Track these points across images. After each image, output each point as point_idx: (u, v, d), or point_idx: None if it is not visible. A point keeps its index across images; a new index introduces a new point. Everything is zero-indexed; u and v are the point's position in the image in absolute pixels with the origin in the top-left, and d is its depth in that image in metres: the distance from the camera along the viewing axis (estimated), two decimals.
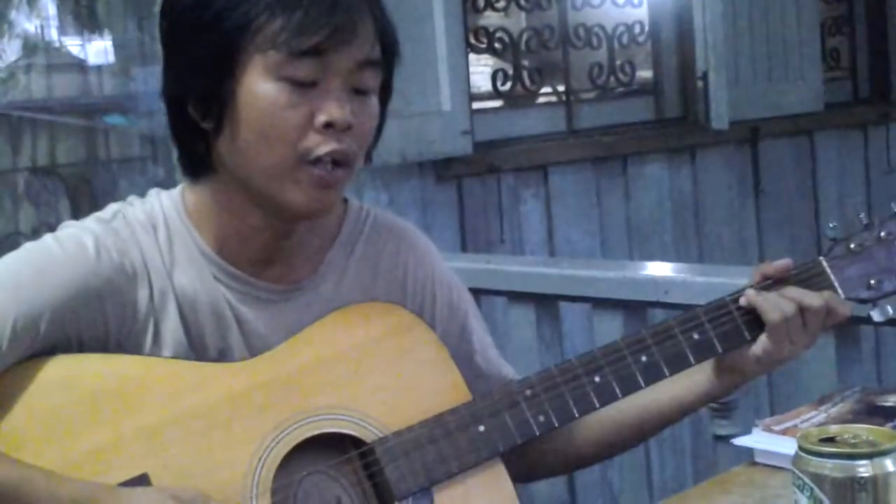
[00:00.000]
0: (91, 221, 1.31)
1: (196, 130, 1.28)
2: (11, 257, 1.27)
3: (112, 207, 1.34)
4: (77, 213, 2.76)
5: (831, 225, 1.46)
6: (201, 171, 1.32)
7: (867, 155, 4.59)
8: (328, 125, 1.24)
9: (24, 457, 1.19)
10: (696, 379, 1.45)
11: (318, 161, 1.25)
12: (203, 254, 1.32)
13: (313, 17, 1.22)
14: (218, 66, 1.24)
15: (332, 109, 1.24)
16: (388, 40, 1.31)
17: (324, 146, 1.24)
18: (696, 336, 1.39)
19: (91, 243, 1.27)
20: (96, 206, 1.37)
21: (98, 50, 2.89)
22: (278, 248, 1.34)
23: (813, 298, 1.39)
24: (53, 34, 2.84)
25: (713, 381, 1.45)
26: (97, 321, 1.26)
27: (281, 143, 1.24)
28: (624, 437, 1.51)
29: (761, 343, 1.40)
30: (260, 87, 1.23)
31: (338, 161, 1.25)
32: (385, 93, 1.33)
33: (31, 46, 2.80)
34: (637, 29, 4.03)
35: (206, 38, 1.24)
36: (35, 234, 2.69)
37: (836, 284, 1.43)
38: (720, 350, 1.41)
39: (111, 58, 2.89)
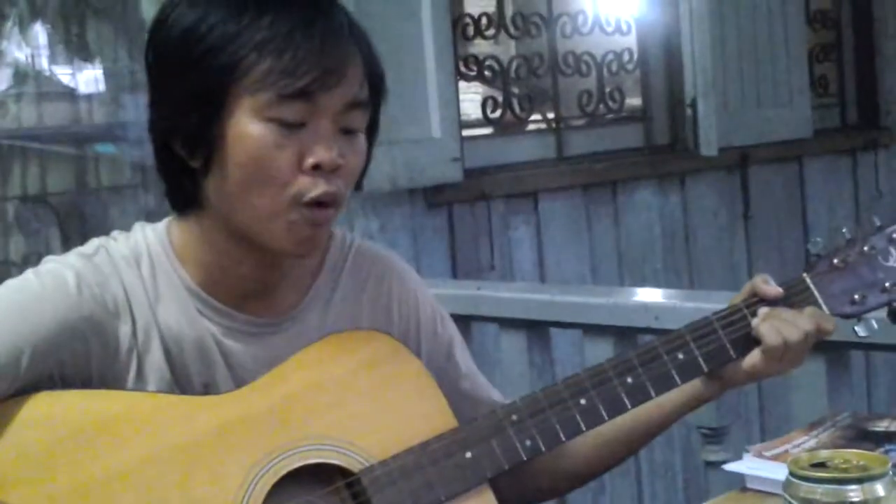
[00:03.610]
0: (73, 256, 1.30)
1: (183, 168, 1.27)
2: None
3: (94, 242, 1.33)
4: (67, 242, 2.76)
5: (814, 240, 1.45)
6: (188, 206, 1.31)
7: (856, 180, 4.60)
8: (317, 167, 1.24)
9: (6, 495, 1.17)
10: (682, 386, 1.44)
11: (308, 203, 1.25)
12: (187, 288, 1.32)
13: (302, 59, 1.22)
14: (205, 105, 1.23)
15: (320, 151, 1.24)
16: (376, 79, 1.31)
17: (314, 189, 1.24)
18: (681, 356, 1.40)
19: (72, 279, 1.26)
20: (86, 234, 1.36)
21: (88, 79, 2.89)
22: (264, 282, 1.33)
23: (807, 322, 1.39)
24: (44, 63, 2.84)
25: (699, 387, 1.46)
26: (79, 357, 1.25)
27: (270, 184, 1.24)
28: (613, 448, 1.50)
29: (753, 360, 1.40)
30: (248, 128, 1.23)
31: (327, 202, 1.26)
32: (372, 129, 1.33)
33: (22, 75, 2.80)
34: (626, 56, 4.05)
35: (193, 78, 1.23)
36: (25, 262, 2.68)
37: (820, 301, 1.42)
38: (705, 370, 1.41)
39: (101, 86, 2.90)
